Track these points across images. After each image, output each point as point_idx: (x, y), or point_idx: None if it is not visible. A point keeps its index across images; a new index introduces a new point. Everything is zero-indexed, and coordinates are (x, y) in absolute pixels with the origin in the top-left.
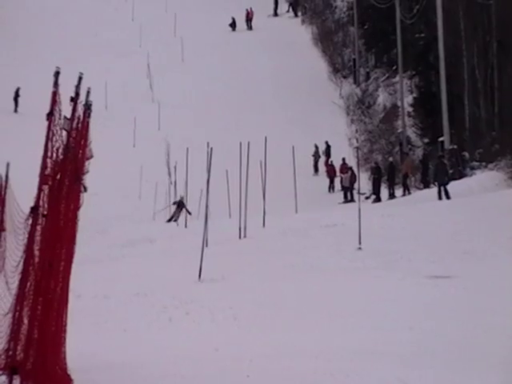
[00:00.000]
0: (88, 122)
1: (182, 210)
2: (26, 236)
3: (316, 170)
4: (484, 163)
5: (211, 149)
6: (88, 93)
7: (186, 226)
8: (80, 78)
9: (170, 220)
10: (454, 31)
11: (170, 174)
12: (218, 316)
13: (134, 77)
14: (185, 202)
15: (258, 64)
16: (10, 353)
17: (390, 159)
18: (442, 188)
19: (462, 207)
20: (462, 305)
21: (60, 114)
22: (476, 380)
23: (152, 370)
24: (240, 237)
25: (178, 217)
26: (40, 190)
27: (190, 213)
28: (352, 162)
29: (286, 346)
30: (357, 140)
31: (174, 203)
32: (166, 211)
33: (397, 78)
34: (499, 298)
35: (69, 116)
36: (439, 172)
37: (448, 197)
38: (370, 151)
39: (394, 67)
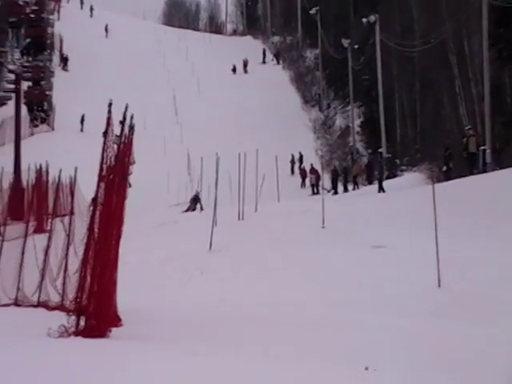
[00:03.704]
0: (132, 139)
1: (196, 203)
2: (89, 218)
3: (292, 172)
4: (410, 167)
5: (218, 157)
6: (132, 117)
7: (200, 212)
8: (126, 107)
9: (186, 211)
10: (388, 75)
11: (190, 175)
12: (224, 276)
13: (164, 106)
14: (200, 196)
15: (251, 97)
16: (78, 300)
17: (344, 164)
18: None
19: (395, 198)
20: (394, 266)
21: (112, 133)
22: (405, 321)
23: (174, 313)
24: (239, 219)
25: (194, 209)
26: (98, 186)
27: (202, 208)
28: (318, 166)
29: (274, 297)
30: (321, 151)
31: (193, 199)
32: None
33: (349, 107)
34: (418, 261)
35: (118, 134)
36: (379, 173)
37: (383, 190)
38: (331, 159)
39: (347, 99)
